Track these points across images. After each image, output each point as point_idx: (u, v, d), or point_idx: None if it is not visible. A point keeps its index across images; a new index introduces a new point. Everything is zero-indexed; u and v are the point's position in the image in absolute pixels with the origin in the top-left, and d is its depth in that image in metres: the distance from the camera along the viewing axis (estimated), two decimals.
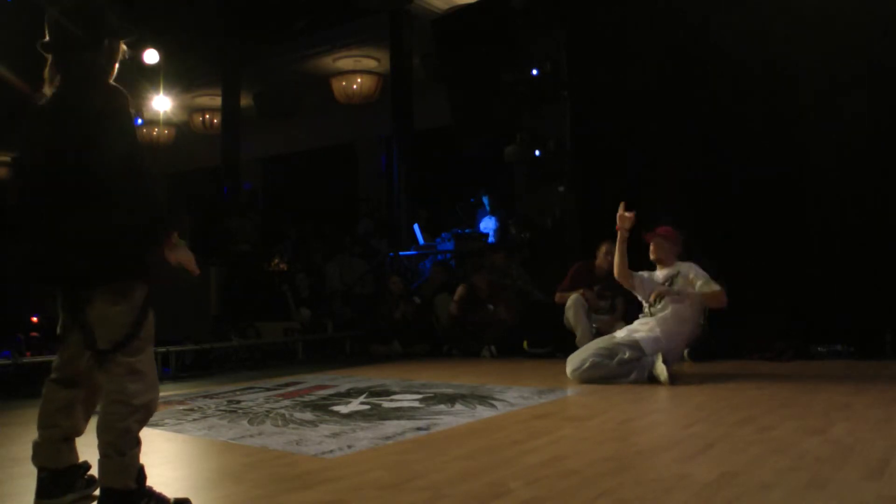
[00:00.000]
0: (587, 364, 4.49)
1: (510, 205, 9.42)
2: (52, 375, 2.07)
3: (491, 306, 7.02)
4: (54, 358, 2.10)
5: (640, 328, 4.63)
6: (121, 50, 2.12)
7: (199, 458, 2.86)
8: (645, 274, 4.87)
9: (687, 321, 4.61)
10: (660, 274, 4.79)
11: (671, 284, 4.68)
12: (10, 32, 7.99)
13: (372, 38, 11.21)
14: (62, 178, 1.96)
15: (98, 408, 2.00)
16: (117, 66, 2.12)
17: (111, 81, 2.06)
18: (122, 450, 1.90)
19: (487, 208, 9.81)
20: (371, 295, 8.54)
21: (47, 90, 2.04)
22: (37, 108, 2.04)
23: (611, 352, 4.48)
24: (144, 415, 1.96)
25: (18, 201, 2.05)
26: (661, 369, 4.33)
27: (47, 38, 2.02)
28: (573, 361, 4.59)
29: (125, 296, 1.95)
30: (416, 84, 10.76)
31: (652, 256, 4.77)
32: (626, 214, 4.61)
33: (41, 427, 2.05)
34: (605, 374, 4.44)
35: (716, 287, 4.56)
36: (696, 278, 4.63)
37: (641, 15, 6.63)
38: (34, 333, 5.60)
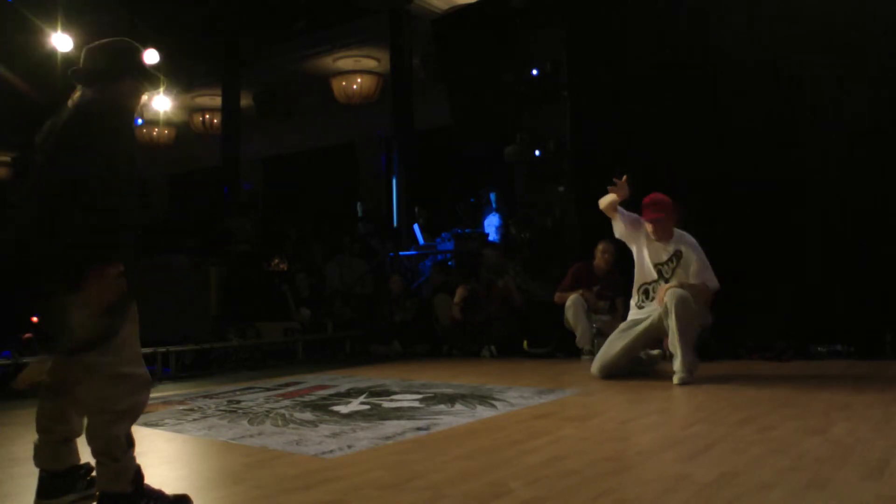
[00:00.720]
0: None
1: (511, 205, 9.42)
2: (46, 380, 2.07)
3: (499, 281, 7.02)
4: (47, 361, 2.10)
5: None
6: (141, 93, 2.20)
7: (199, 458, 2.86)
8: (626, 214, 4.70)
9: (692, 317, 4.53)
10: (660, 248, 4.63)
11: (675, 265, 4.58)
12: (10, 33, 8.01)
13: (372, 38, 11.21)
14: (52, 180, 1.98)
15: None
16: (138, 109, 2.20)
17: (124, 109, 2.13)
18: (115, 455, 1.90)
19: (494, 205, 9.81)
20: (371, 295, 8.54)
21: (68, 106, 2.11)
22: (49, 123, 2.08)
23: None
24: (131, 418, 1.96)
25: (19, 201, 2.08)
26: (678, 369, 4.34)
27: (80, 67, 2.13)
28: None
29: (83, 297, 1.93)
30: (416, 84, 10.76)
31: (653, 237, 4.62)
32: (619, 183, 4.58)
33: (39, 430, 2.06)
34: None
35: (705, 277, 4.47)
36: (692, 263, 4.52)
37: (641, 15, 6.63)
38: (28, 335, 5.56)
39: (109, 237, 1.91)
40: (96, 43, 2.15)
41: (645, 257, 4.69)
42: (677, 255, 4.59)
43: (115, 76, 2.11)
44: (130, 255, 1.98)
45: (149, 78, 2.20)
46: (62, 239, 1.91)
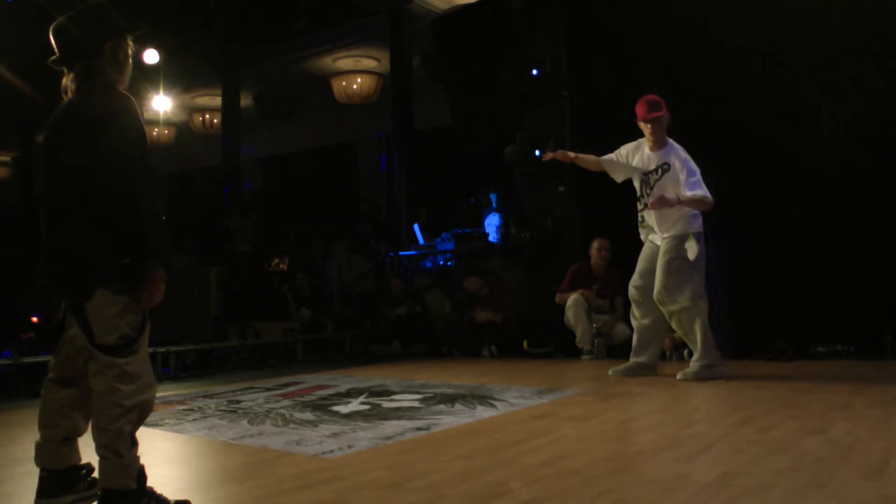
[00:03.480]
0: None
1: (511, 205, 9.40)
2: (50, 375, 2.07)
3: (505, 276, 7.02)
4: (49, 358, 2.11)
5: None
6: (128, 49, 2.12)
7: (199, 458, 2.86)
8: (613, 157, 4.73)
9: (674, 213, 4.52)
10: (651, 157, 4.58)
11: (659, 177, 4.51)
12: (10, 32, 8.00)
13: (372, 38, 11.20)
14: (64, 178, 1.99)
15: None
16: (129, 66, 2.13)
17: (118, 86, 2.07)
18: (118, 451, 1.90)
19: (494, 205, 9.81)
20: (371, 295, 8.55)
21: (65, 100, 2.08)
22: (51, 117, 2.06)
23: None
24: (138, 416, 1.96)
25: (31, 201, 2.10)
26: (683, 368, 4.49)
27: (55, 53, 2.06)
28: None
29: (121, 297, 1.95)
30: (416, 84, 10.75)
31: (650, 139, 4.55)
32: (550, 156, 4.83)
33: (42, 427, 2.06)
34: None
35: (699, 191, 4.37)
36: (682, 175, 4.44)
37: (641, 15, 6.62)
38: (29, 335, 5.58)
39: (142, 240, 1.93)
40: (60, 20, 2.04)
41: (638, 171, 4.63)
42: (664, 168, 4.51)
43: (95, 48, 2.03)
44: (169, 258, 2.00)
45: (129, 29, 2.11)
46: (74, 238, 1.93)
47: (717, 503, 1.92)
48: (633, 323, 4.87)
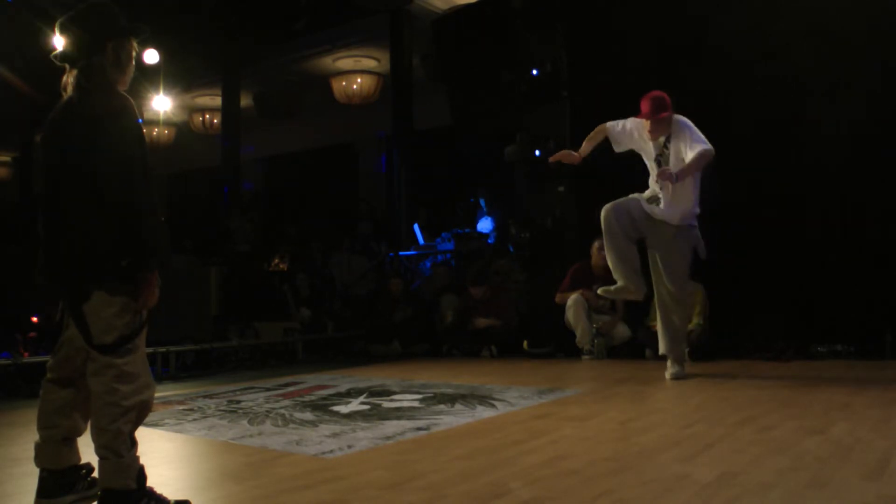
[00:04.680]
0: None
1: (511, 205, 9.40)
2: (49, 375, 2.07)
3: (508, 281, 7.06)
4: (48, 358, 2.11)
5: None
6: (131, 50, 2.13)
7: (199, 458, 2.86)
8: (619, 126, 4.68)
9: (686, 194, 4.43)
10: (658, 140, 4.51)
11: (668, 151, 4.46)
12: (10, 33, 8.00)
13: (372, 38, 11.21)
14: (63, 178, 1.99)
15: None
16: (131, 67, 2.14)
17: (118, 86, 2.08)
18: (118, 451, 1.90)
19: (485, 209, 9.81)
20: (371, 295, 8.55)
21: (64, 98, 2.08)
22: (50, 116, 2.07)
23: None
24: (137, 416, 1.96)
25: (31, 201, 2.10)
26: (668, 367, 4.56)
27: (58, 48, 2.07)
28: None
29: (119, 298, 1.95)
30: (416, 84, 10.75)
31: (650, 137, 4.49)
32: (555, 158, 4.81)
33: (41, 427, 2.06)
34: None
35: (697, 150, 4.24)
36: (687, 147, 4.34)
37: (641, 15, 6.63)
38: (32, 334, 5.59)
39: (140, 240, 1.93)
40: (67, 16, 2.06)
41: (648, 153, 4.59)
42: (668, 139, 4.46)
43: (97, 46, 2.04)
44: (168, 259, 2.00)
45: (132, 30, 2.12)
46: (74, 237, 1.93)
47: (717, 503, 1.92)
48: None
